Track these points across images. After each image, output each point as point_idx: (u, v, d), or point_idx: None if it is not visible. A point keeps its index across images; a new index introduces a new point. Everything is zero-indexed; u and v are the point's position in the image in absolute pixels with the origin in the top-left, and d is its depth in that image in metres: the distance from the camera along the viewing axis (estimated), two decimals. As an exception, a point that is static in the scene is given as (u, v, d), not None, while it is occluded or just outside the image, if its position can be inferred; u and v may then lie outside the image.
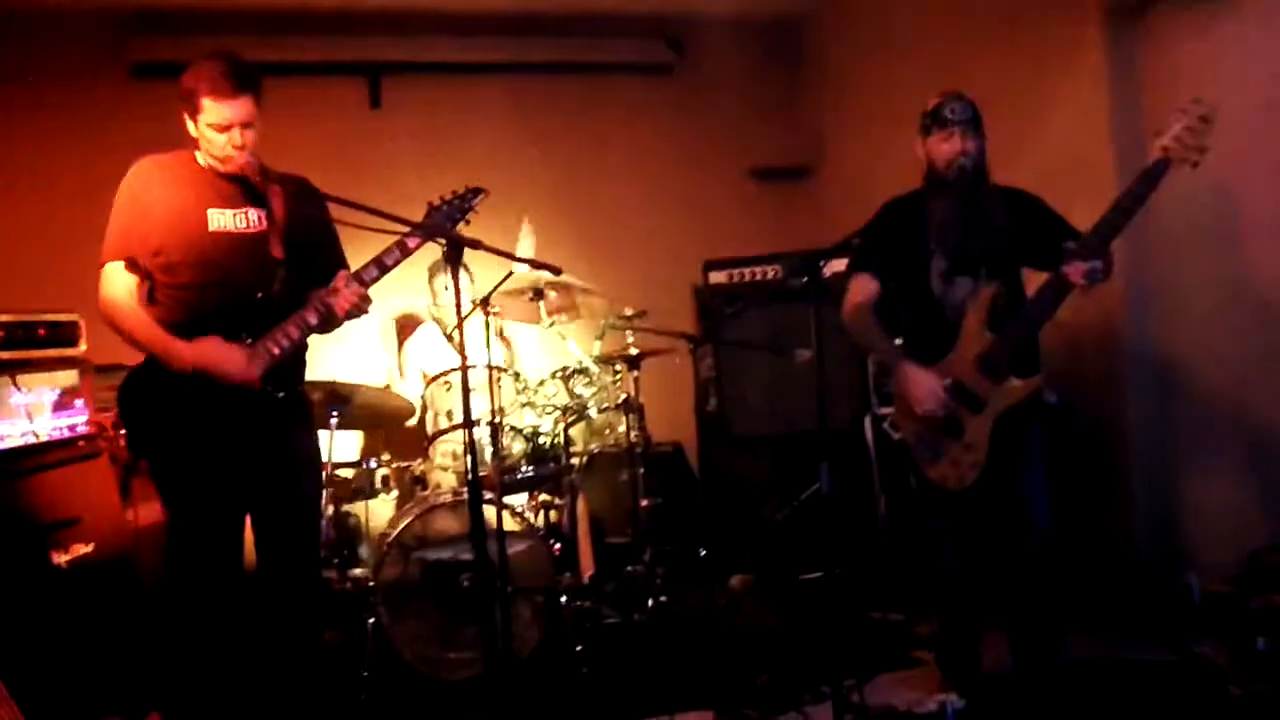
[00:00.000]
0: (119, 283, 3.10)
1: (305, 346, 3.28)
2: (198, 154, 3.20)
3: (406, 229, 3.06)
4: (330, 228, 3.33)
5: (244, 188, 3.18)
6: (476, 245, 2.96)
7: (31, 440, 3.92)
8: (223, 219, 3.14)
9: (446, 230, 3.10)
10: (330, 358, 5.16)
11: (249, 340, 3.07)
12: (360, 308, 3.18)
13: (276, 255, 3.15)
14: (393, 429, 5.10)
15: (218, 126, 3.05)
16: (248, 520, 3.24)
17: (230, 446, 3.08)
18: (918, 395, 3.43)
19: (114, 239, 3.12)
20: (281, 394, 3.13)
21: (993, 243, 3.43)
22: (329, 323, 3.22)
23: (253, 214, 3.18)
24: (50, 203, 5.48)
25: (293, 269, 3.19)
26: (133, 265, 3.11)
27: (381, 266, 3.19)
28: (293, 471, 3.22)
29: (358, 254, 3.33)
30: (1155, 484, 4.40)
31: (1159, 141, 3.17)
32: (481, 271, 4.76)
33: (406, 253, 3.19)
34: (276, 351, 3.09)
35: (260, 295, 3.12)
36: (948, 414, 3.41)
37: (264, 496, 3.18)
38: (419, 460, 4.63)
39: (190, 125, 3.11)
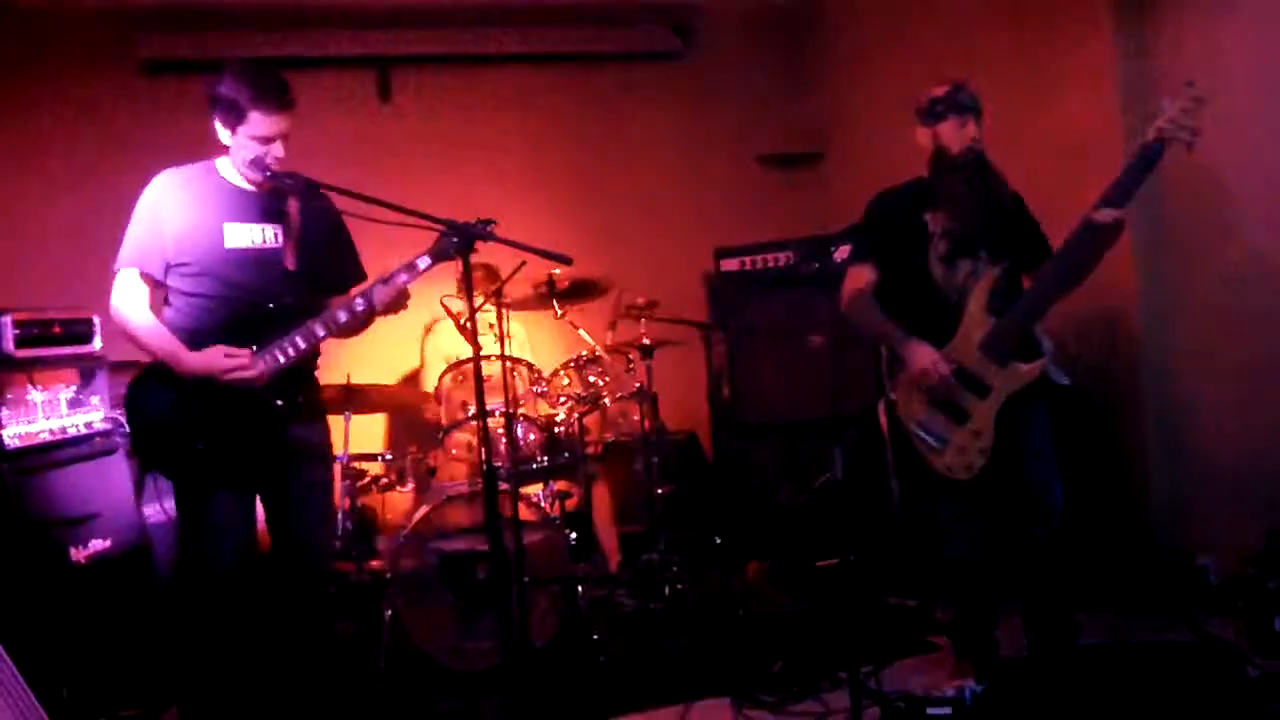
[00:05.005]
0: (130, 290, 3.14)
1: (314, 360, 3.32)
2: (218, 164, 3.22)
3: (421, 222, 3.02)
4: (348, 242, 3.39)
5: (262, 201, 3.21)
6: (488, 236, 2.97)
7: (48, 438, 3.95)
8: (239, 235, 3.16)
9: (464, 230, 3.03)
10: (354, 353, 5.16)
11: (254, 349, 3.08)
12: (399, 303, 3.23)
13: (290, 268, 3.20)
14: (408, 422, 5.10)
15: (261, 139, 3.09)
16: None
17: (232, 439, 3.08)
18: (920, 366, 3.42)
19: (128, 248, 3.15)
20: (280, 402, 3.12)
21: (997, 225, 3.42)
22: (355, 327, 3.26)
23: (269, 229, 3.20)
24: (62, 200, 5.51)
25: (305, 281, 3.23)
26: (144, 274, 3.15)
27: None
28: (294, 460, 3.19)
29: (371, 247, 3.37)
30: (1169, 464, 4.38)
31: (1155, 124, 3.17)
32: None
33: (415, 275, 3.20)
34: (282, 360, 3.10)
35: (271, 306, 3.15)
36: (950, 396, 3.40)
37: (270, 484, 3.20)
38: (435, 452, 4.64)
39: (224, 133, 3.12)
